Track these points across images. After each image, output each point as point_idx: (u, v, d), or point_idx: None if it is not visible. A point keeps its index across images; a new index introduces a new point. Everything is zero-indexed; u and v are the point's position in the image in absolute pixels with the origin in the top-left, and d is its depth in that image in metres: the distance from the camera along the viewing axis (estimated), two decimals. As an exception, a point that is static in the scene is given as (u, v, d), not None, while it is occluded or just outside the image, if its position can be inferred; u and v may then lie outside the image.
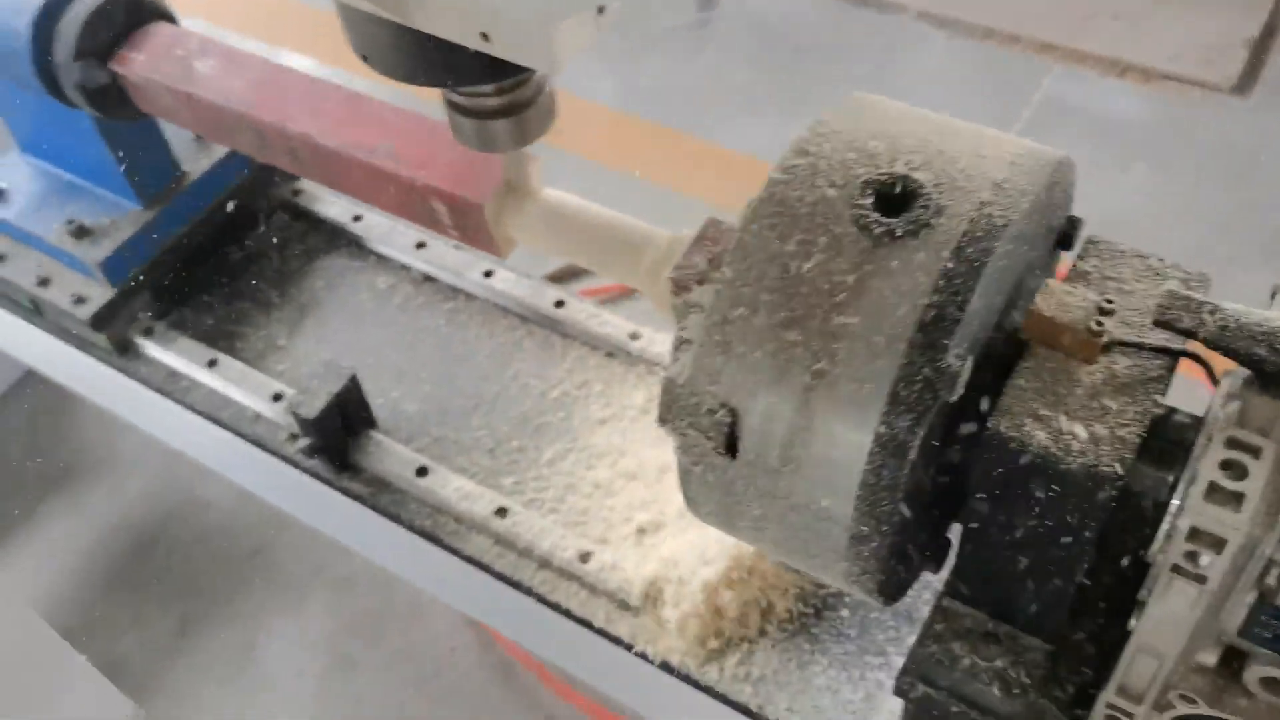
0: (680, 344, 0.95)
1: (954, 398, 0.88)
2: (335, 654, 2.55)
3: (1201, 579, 0.82)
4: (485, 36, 0.94)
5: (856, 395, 0.82)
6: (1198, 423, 0.95)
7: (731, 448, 0.89)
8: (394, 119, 1.32)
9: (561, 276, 2.98)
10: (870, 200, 0.85)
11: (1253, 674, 0.89)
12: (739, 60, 3.84)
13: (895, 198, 0.85)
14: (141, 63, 1.44)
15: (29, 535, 2.77)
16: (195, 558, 2.73)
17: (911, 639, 1.36)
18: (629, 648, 1.37)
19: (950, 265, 0.81)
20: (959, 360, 0.84)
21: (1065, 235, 1.01)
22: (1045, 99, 3.50)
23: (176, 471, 2.89)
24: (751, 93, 3.73)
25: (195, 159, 1.77)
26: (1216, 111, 3.43)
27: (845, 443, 0.83)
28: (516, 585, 1.44)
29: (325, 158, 1.32)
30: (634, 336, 1.63)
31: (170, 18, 1.56)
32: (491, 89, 1.14)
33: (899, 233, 0.83)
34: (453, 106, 1.19)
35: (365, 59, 1.11)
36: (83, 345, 1.75)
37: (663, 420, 0.93)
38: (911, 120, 0.93)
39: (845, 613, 1.38)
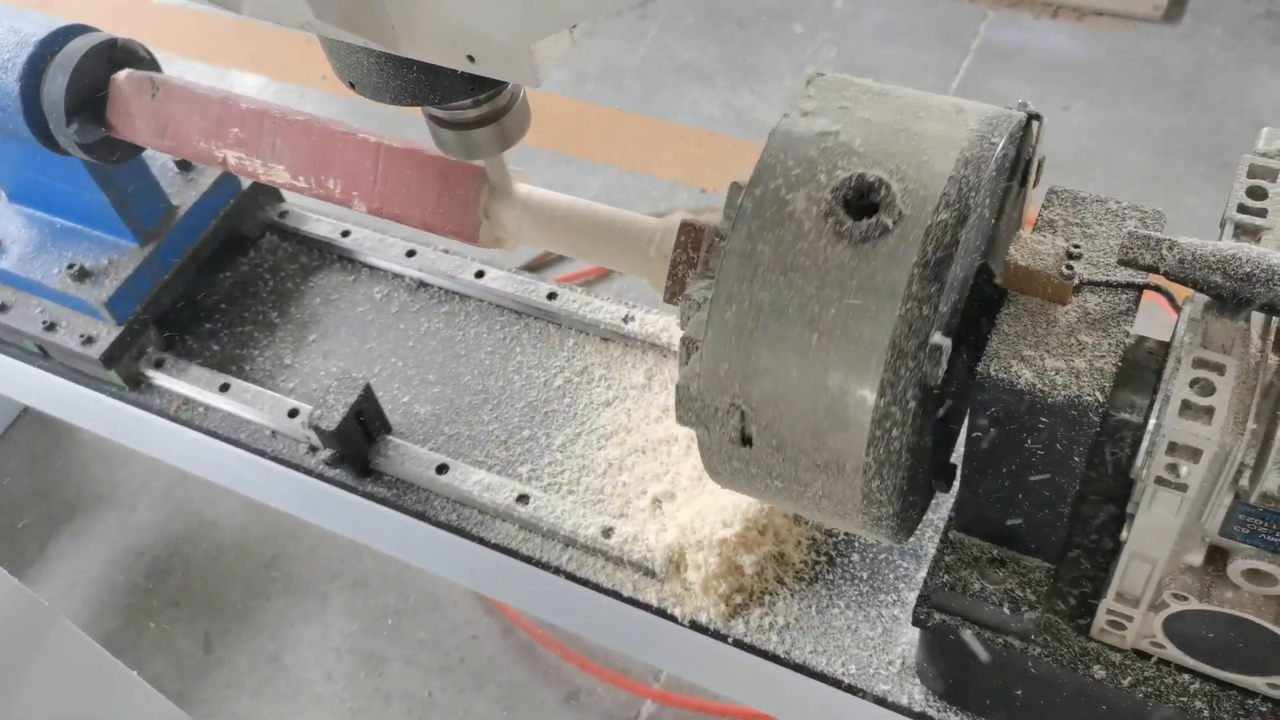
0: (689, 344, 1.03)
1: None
2: (360, 653, 2.62)
3: (1183, 487, 0.91)
4: (471, 59, 1.01)
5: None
6: (1164, 347, 1.05)
7: (746, 440, 0.98)
8: (363, 154, 1.38)
9: (536, 265, 3.05)
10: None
11: (1235, 567, 0.99)
12: (684, 36, 3.91)
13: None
14: (127, 113, 1.49)
15: (43, 574, 2.82)
16: (211, 577, 2.79)
17: (920, 574, 1.47)
18: (660, 612, 1.45)
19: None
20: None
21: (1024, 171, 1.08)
22: (984, 45, 3.59)
23: (181, 496, 2.95)
24: (700, 66, 3.80)
25: (183, 192, 1.82)
26: (1149, 41, 3.54)
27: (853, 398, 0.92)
28: (544, 566, 1.51)
29: (311, 192, 1.40)
30: (626, 320, 1.71)
31: (147, 58, 1.61)
32: (470, 101, 1.22)
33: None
34: (435, 120, 1.26)
35: (352, 85, 1.17)
36: (93, 384, 1.80)
37: (681, 422, 1.02)
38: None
39: (855, 557, 1.48)
